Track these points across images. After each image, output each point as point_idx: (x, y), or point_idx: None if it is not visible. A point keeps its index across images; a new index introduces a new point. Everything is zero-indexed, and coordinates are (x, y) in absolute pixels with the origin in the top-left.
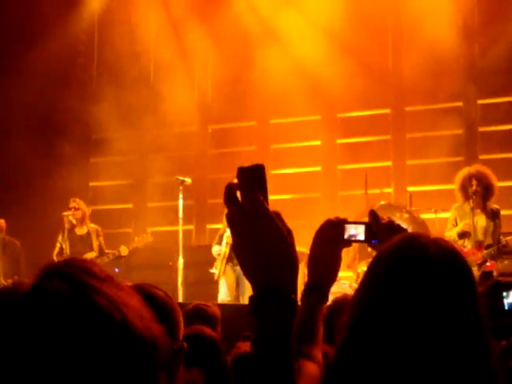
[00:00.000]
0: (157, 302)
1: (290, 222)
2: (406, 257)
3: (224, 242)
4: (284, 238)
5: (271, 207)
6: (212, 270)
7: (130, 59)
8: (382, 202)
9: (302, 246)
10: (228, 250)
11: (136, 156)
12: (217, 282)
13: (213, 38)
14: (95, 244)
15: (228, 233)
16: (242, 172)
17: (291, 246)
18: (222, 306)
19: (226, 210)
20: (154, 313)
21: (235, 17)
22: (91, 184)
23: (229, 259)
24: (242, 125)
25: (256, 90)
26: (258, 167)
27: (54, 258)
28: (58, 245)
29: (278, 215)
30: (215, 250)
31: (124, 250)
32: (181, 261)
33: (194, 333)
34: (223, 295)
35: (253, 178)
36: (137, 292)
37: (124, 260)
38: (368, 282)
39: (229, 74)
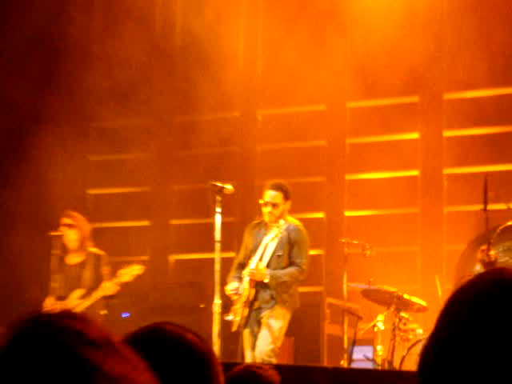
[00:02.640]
0: (187, 352)
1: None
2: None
3: (246, 281)
4: None
5: (349, 224)
6: (228, 318)
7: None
8: (510, 223)
9: (392, 286)
10: (253, 293)
11: (155, 153)
12: (236, 334)
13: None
14: (87, 276)
15: (250, 268)
16: None
17: None
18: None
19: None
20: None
21: None
22: (90, 192)
23: (251, 305)
24: (305, 109)
25: (326, 68)
26: None
27: (48, 302)
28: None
29: None
30: (232, 287)
31: (108, 288)
32: (217, 302)
33: None
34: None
35: None
36: (154, 339)
37: (136, 300)
38: (447, 323)
39: (287, 48)
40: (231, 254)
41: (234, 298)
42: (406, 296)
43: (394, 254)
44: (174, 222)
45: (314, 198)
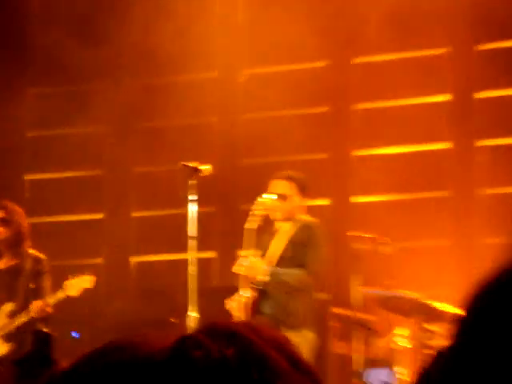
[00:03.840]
0: None
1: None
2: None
3: (241, 285)
4: None
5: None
6: None
7: None
8: None
9: (415, 291)
10: (251, 296)
11: (111, 126)
12: None
13: None
14: (21, 286)
15: (240, 261)
16: None
17: None
18: None
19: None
20: None
21: None
22: (27, 177)
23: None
24: (301, 67)
25: (326, 17)
26: None
27: None
28: None
29: None
30: (238, 299)
31: (36, 311)
32: (193, 315)
33: None
34: None
35: None
36: (111, 365)
37: (89, 314)
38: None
39: None
40: (210, 254)
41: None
42: (433, 303)
43: (417, 249)
44: (136, 213)
45: (316, 181)
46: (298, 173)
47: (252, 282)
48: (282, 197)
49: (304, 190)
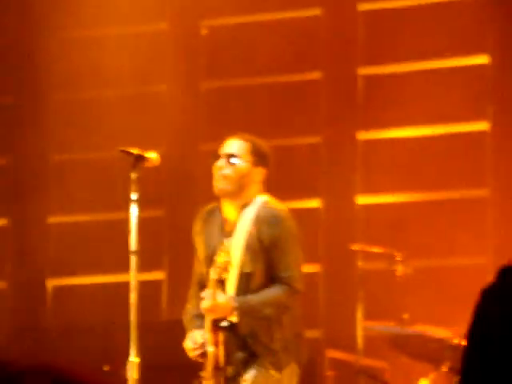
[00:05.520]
0: None
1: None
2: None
3: (206, 325)
4: None
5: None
6: None
7: None
8: None
9: (444, 327)
10: (222, 347)
11: (18, 95)
12: None
13: None
14: None
15: (205, 302)
16: None
17: None
18: None
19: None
20: None
21: None
22: None
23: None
24: (283, 16)
25: None
26: None
27: None
28: None
29: None
30: (192, 344)
31: None
32: (134, 361)
33: None
34: None
35: None
36: None
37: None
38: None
39: None
40: (157, 275)
41: (201, 360)
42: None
43: (444, 270)
44: (53, 219)
45: (306, 175)
46: (258, 138)
47: (218, 323)
48: (231, 158)
49: (261, 158)
